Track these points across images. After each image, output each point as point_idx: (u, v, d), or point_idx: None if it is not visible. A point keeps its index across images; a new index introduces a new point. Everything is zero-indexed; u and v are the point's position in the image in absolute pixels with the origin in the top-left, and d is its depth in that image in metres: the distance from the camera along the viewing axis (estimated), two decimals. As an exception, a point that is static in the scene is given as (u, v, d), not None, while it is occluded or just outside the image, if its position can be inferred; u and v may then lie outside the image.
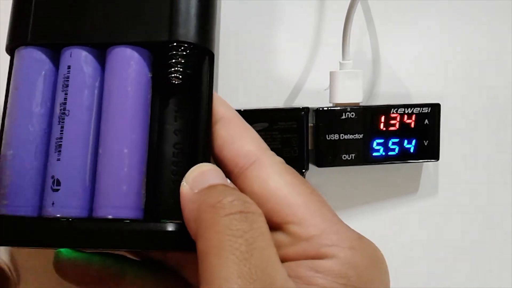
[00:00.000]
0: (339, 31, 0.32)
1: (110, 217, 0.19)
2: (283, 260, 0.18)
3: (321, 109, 0.31)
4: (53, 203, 0.19)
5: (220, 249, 0.17)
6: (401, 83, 0.35)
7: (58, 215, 0.19)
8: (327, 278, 0.18)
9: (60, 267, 0.23)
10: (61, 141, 0.19)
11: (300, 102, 0.34)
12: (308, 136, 0.31)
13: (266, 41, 0.34)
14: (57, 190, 0.19)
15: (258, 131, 0.30)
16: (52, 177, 0.19)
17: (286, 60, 0.34)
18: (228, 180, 0.20)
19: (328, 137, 0.31)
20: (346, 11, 0.32)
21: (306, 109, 0.31)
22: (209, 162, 0.21)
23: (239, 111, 0.30)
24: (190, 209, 0.19)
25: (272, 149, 0.30)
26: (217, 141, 0.21)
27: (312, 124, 0.31)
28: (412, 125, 0.32)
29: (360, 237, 0.19)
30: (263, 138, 0.31)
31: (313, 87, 0.34)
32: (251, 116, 0.30)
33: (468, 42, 0.36)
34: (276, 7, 0.34)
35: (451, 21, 0.36)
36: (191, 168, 0.20)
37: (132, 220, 0.19)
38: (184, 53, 0.20)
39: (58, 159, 0.19)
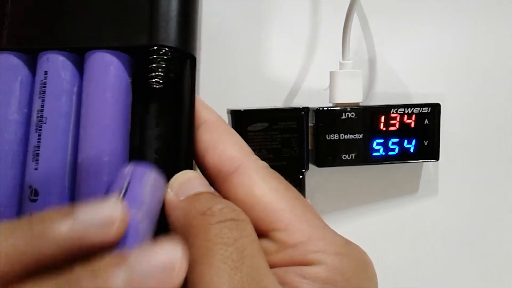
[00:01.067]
0: (339, 31, 0.32)
1: None
2: (271, 266, 0.18)
3: (321, 109, 0.31)
4: (30, 214, 0.18)
5: (211, 257, 0.16)
6: (401, 83, 0.35)
7: None
8: (314, 285, 0.18)
9: None
10: (39, 150, 0.19)
11: (300, 102, 0.34)
12: (308, 136, 0.31)
13: (267, 41, 0.34)
14: (35, 200, 0.18)
15: (258, 131, 0.30)
16: (30, 186, 0.19)
17: (286, 60, 0.34)
18: (212, 188, 0.20)
19: (328, 137, 0.31)
20: (346, 11, 0.32)
21: (306, 109, 0.31)
22: (192, 168, 0.20)
23: (239, 111, 0.30)
24: (175, 217, 0.18)
25: (272, 149, 0.30)
26: (199, 146, 0.21)
27: (312, 124, 0.31)
28: (412, 125, 0.32)
29: (347, 242, 0.19)
30: (263, 138, 0.31)
31: (313, 87, 0.34)
32: (251, 116, 0.30)
33: (468, 42, 0.36)
34: (276, 7, 0.34)
35: (451, 21, 0.36)
36: (175, 175, 0.19)
37: None
38: (165, 57, 0.20)
39: (36, 168, 0.19)
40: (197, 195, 0.19)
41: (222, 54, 0.34)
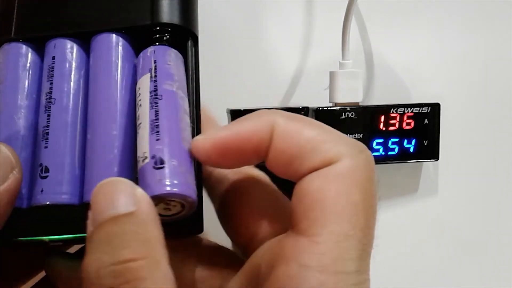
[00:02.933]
0: (339, 31, 0.32)
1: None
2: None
3: (320, 108, 0.31)
4: (42, 190, 0.19)
5: None
6: (401, 83, 0.35)
7: (48, 202, 0.19)
8: None
9: (51, 272, 0.22)
10: (48, 129, 0.19)
11: (299, 101, 0.34)
12: (308, 136, 0.31)
13: (266, 41, 0.34)
14: (46, 177, 0.19)
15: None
16: (40, 165, 0.19)
17: (286, 60, 0.34)
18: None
19: (328, 137, 0.31)
20: (345, 11, 0.32)
21: (306, 109, 0.31)
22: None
23: (239, 111, 0.30)
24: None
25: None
26: (279, 161, 0.17)
27: (312, 124, 0.31)
28: (412, 125, 0.32)
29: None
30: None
31: (312, 87, 0.34)
32: (250, 116, 0.30)
33: (468, 42, 0.36)
34: (276, 7, 0.34)
35: (451, 21, 0.36)
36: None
37: None
38: (168, 36, 0.21)
39: (46, 147, 0.19)
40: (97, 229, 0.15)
41: (222, 54, 0.34)
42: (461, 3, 0.35)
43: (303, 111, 0.31)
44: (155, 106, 0.19)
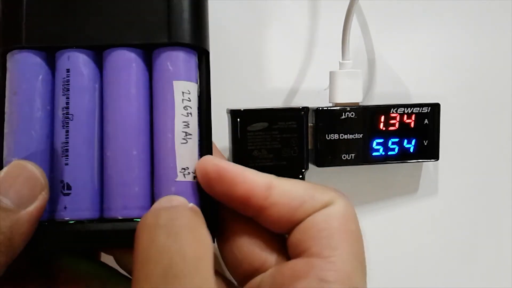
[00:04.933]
0: (339, 31, 0.32)
1: (120, 217, 0.20)
2: None
3: (320, 109, 0.31)
4: (65, 207, 0.19)
5: (139, 274, 0.16)
6: (401, 83, 0.35)
7: (70, 218, 0.20)
8: None
9: (58, 272, 0.23)
10: (67, 146, 0.20)
11: (299, 102, 0.34)
12: (307, 136, 0.31)
13: (266, 41, 0.34)
14: (68, 194, 0.19)
15: (258, 131, 0.30)
16: (61, 181, 0.20)
17: (286, 60, 0.34)
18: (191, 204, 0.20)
19: (328, 137, 0.31)
20: (345, 11, 0.32)
21: (306, 109, 0.31)
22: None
23: (239, 110, 0.30)
24: None
25: (271, 149, 0.30)
26: (281, 213, 0.20)
27: (311, 124, 0.31)
28: (412, 125, 0.32)
29: None
30: (262, 138, 0.31)
31: (312, 87, 0.34)
32: (251, 116, 0.30)
33: (468, 42, 0.36)
34: (276, 7, 0.34)
35: (451, 21, 0.36)
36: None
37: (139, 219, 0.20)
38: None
39: (66, 164, 0.20)
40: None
41: (222, 54, 0.34)
42: (461, 3, 0.35)
43: (303, 111, 0.31)
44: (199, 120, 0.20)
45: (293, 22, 0.34)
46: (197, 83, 0.21)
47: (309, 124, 0.31)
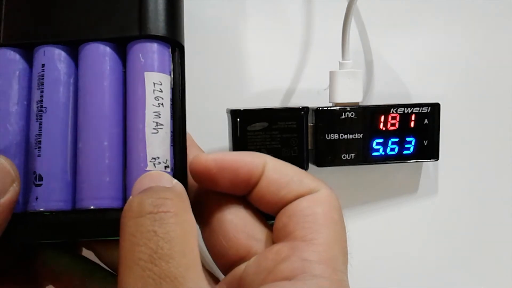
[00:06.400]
0: (339, 31, 0.32)
1: (92, 207, 0.20)
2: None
3: (320, 108, 0.31)
4: (36, 198, 0.20)
5: (126, 259, 0.17)
6: (401, 82, 0.35)
7: (42, 209, 0.20)
8: None
9: (42, 266, 0.23)
10: (40, 138, 0.20)
11: (299, 101, 0.34)
12: (307, 136, 0.31)
13: (266, 41, 0.34)
14: (40, 185, 0.20)
15: (257, 131, 0.30)
16: (34, 172, 0.20)
17: (286, 60, 0.34)
18: (173, 180, 0.20)
19: (328, 137, 0.31)
20: (345, 11, 0.32)
21: (306, 109, 0.31)
22: (185, 153, 0.21)
23: (239, 110, 0.30)
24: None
25: (271, 149, 0.30)
26: (270, 188, 0.21)
27: (311, 124, 0.31)
28: (412, 125, 0.32)
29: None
30: (262, 138, 0.31)
31: (312, 87, 0.34)
32: (250, 116, 0.30)
33: (468, 42, 0.36)
34: (276, 7, 0.34)
35: (451, 21, 0.36)
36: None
37: (114, 209, 0.20)
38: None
39: (39, 155, 0.20)
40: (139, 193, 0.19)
41: (222, 54, 0.34)
42: (461, 3, 0.35)
43: (303, 111, 0.31)
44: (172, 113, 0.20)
45: (294, 22, 0.34)
46: (170, 76, 0.21)
47: (309, 124, 0.31)
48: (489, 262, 0.37)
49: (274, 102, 0.34)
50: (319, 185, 0.21)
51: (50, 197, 0.20)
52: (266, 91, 0.34)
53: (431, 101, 0.33)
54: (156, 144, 0.20)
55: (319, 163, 0.31)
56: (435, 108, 0.32)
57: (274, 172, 0.21)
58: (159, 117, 0.20)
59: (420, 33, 0.35)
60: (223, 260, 0.21)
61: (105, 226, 0.19)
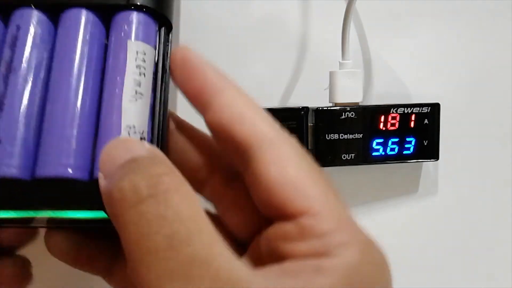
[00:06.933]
0: (339, 31, 0.32)
1: (53, 175, 0.18)
2: (286, 254, 0.17)
3: (320, 108, 0.31)
4: None
5: (139, 253, 0.15)
6: (401, 82, 0.35)
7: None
8: (327, 279, 0.16)
9: (50, 246, 0.21)
10: (4, 98, 0.18)
11: (299, 101, 0.34)
12: (307, 136, 0.31)
13: (266, 41, 0.34)
14: None
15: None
16: None
17: (285, 60, 0.34)
18: (147, 145, 0.18)
19: (328, 137, 0.31)
20: (345, 10, 0.32)
21: (306, 109, 0.31)
22: (165, 133, 0.20)
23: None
24: (107, 206, 0.17)
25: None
26: (221, 117, 0.19)
27: (311, 124, 0.31)
28: (412, 125, 0.32)
29: (371, 242, 0.18)
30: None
31: (312, 87, 0.34)
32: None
33: (468, 42, 0.36)
34: (276, 6, 0.34)
35: (451, 21, 0.36)
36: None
37: (76, 180, 0.18)
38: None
39: (0, 116, 0.18)
40: (116, 169, 0.16)
41: (222, 53, 0.34)
42: (461, 3, 0.35)
43: (303, 111, 0.31)
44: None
45: (293, 22, 0.34)
46: (155, 49, 0.20)
47: (309, 124, 0.31)
48: (489, 262, 0.37)
49: (274, 102, 0.34)
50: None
51: (6, 162, 0.18)
52: (266, 91, 0.34)
53: (431, 101, 0.33)
54: (133, 112, 0.18)
55: (319, 163, 0.31)
56: (435, 108, 0.32)
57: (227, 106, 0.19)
58: (139, 86, 0.19)
59: (420, 33, 0.35)
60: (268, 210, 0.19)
61: (67, 198, 0.18)
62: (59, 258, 0.21)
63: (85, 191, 0.18)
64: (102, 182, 0.17)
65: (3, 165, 0.18)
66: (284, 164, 0.18)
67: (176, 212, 0.15)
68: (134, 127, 0.18)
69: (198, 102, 0.19)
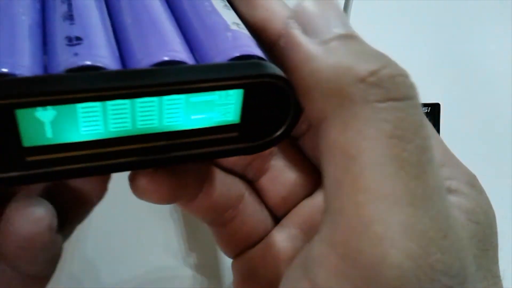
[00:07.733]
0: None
1: (166, 59, 0.14)
2: None
3: (319, 108, 0.31)
4: (76, 54, 0.14)
5: (379, 157, 0.11)
6: (401, 82, 0.35)
7: (89, 63, 0.14)
8: (462, 215, 0.13)
9: (135, 184, 0.16)
10: (72, 11, 0.16)
11: (298, 101, 0.34)
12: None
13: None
14: (79, 43, 0.15)
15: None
16: (67, 37, 0.15)
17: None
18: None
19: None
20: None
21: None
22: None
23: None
24: (309, 73, 0.13)
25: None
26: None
27: (310, 124, 0.31)
28: (412, 125, 0.32)
29: (476, 179, 0.16)
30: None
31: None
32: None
33: (468, 42, 0.36)
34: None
35: (451, 21, 0.35)
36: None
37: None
38: None
39: (72, 24, 0.15)
40: (346, 38, 0.13)
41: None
42: (461, 3, 0.35)
43: (302, 111, 0.31)
44: None
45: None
46: None
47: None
48: (490, 263, 0.37)
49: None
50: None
51: (95, 53, 0.15)
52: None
53: (431, 101, 0.33)
54: (231, 15, 0.16)
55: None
56: (435, 108, 0.32)
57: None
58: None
59: (420, 33, 0.35)
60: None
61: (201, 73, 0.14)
62: (144, 196, 0.17)
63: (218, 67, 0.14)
64: (304, 38, 0.13)
65: (94, 55, 0.15)
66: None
67: (429, 125, 0.13)
68: (239, 24, 0.16)
69: None
